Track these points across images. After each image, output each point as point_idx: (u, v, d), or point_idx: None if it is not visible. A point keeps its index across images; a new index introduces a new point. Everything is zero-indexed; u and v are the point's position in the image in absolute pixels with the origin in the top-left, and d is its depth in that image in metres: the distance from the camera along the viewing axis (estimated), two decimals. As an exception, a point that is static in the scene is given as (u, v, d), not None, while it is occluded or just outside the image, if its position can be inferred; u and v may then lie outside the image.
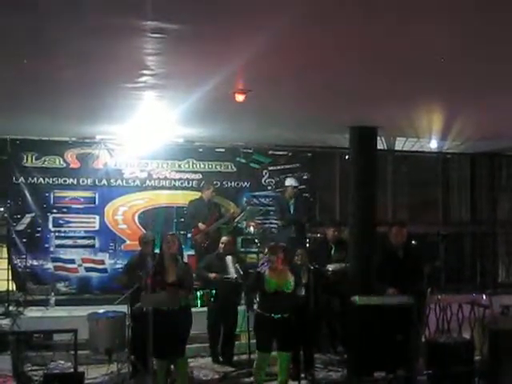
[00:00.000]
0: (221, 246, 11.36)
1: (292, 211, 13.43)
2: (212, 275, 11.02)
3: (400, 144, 14.97)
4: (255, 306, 9.79)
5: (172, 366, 9.34)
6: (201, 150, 14.48)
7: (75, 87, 8.54)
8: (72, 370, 8.16)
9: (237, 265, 11.06)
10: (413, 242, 10.72)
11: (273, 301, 9.28)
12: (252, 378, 9.79)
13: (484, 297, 10.55)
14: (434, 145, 14.30)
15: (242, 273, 10.78)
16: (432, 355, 9.79)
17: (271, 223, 14.45)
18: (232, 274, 11.00)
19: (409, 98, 9.33)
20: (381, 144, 14.32)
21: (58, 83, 8.32)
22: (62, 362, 9.05)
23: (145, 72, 7.63)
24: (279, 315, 9.28)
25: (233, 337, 11.26)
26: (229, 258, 11.26)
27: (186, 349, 9.77)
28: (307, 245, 12.49)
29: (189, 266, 10.01)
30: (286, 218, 13.36)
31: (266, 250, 9.86)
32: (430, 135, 12.99)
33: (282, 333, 9.36)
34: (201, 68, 7.44)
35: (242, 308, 11.15)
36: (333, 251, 11.83)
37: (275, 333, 9.33)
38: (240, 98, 8.72)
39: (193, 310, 10.67)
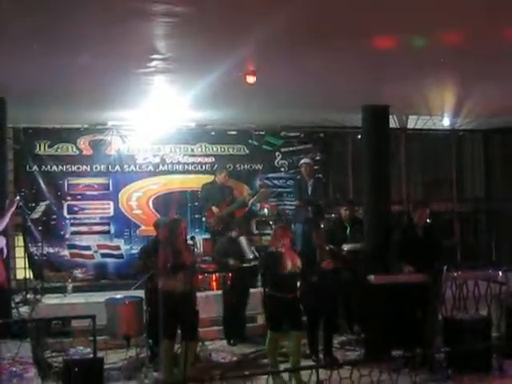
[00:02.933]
0: (233, 229, 11.39)
1: (310, 192, 13.38)
2: (231, 262, 11.06)
3: (412, 122, 14.88)
4: (266, 287, 9.78)
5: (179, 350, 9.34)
6: (213, 133, 14.48)
7: (86, 73, 8.55)
8: (91, 355, 8.17)
9: (252, 247, 11.11)
10: (427, 220, 10.67)
11: (283, 281, 9.31)
12: (268, 360, 9.82)
13: (500, 273, 10.51)
14: (446, 122, 14.22)
15: (257, 254, 10.80)
16: (449, 333, 9.78)
17: (285, 204, 14.41)
18: (248, 255, 11.04)
19: (420, 76, 9.27)
20: (393, 123, 14.26)
21: (69, 70, 8.33)
22: (81, 347, 9.07)
23: (155, 56, 7.64)
24: (290, 295, 9.33)
25: (244, 317, 11.36)
26: (242, 240, 11.28)
27: (204, 332, 9.84)
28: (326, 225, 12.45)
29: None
30: (304, 199, 13.31)
31: (275, 232, 9.88)
32: (442, 112, 12.93)
33: (293, 313, 9.42)
34: (211, 51, 7.44)
35: (257, 290, 11.18)
36: (348, 231, 11.83)
37: (286, 313, 9.37)
38: (251, 79, 8.69)
39: (209, 293, 10.78)
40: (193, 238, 10.07)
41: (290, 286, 9.40)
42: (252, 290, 11.44)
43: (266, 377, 8.72)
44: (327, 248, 10.14)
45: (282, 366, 9.60)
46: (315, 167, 14.53)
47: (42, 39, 6.94)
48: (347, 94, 10.71)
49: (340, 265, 10.36)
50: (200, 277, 9.86)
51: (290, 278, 9.38)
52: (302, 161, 13.65)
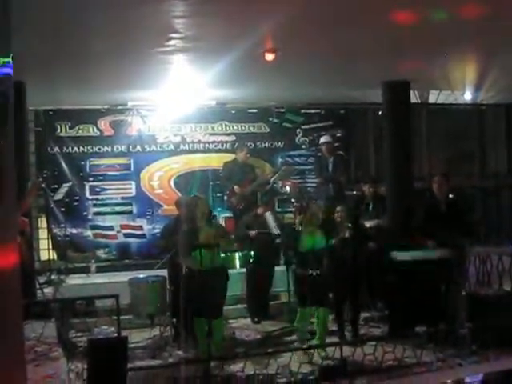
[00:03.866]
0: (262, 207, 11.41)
1: (330, 169, 13.33)
2: (252, 233, 11.07)
3: (433, 98, 14.78)
4: (293, 265, 9.80)
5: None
6: (233, 111, 14.45)
7: (105, 54, 8.57)
8: (115, 334, 8.21)
9: (276, 222, 11.12)
10: (450, 195, 10.61)
11: (309, 257, 9.33)
12: (294, 337, 9.86)
13: (524, 248, 10.46)
14: (468, 97, 14.09)
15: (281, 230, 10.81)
16: (473, 308, 9.73)
17: (306, 182, 14.38)
18: (274, 230, 11.03)
19: (441, 50, 9.18)
20: (414, 98, 14.16)
21: (88, 51, 8.34)
22: (105, 327, 9.13)
23: (173, 35, 7.62)
24: (313, 272, 9.33)
25: (268, 295, 11.36)
26: (268, 215, 11.27)
27: (228, 310, 9.85)
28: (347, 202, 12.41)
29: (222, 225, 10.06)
30: (325, 176, 13.27)
31: (296, 209, 9.88)
32: (463, 87, 12.81)
33: (317, 289, 9.40)
34: (229, 29, 7.41)
35: (281, 268, 11.18)
36: (370, 208, 11.78)
37: (313, 289, 9.38)
38: (270, 57, 8.65)
39: (234, 271, 10.77)
40: (214, 217, 10.08)
41: (312, 263, 9.39)
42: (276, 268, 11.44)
43: (289, 354, 8.79)
44: (349, 225, 10.09)
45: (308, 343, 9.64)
46: (336, 144, 14.47)
47: (61, 21, 6.92)
48: (367, 70, 10.64)
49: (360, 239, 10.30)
50: (222, 255, 9.78)
51: (312, 255, 9.38)
52: (322, 139, 13.54)
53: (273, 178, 13.17)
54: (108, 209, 13.83)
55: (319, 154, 13.90)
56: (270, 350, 9.16)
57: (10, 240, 5.11)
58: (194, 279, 8.94)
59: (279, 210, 13.96)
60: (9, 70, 5.12)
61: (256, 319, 11.21)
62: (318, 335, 9.60)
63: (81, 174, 13.67)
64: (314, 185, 13.96)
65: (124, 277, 11.08)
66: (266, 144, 14.60)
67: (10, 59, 5.10)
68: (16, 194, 9.36)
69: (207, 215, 9.42)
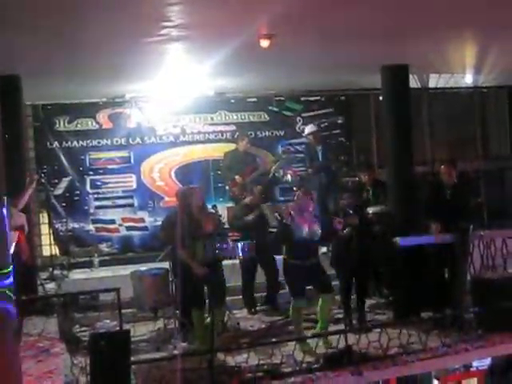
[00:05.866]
0: (257, 196, 11.32)
1: (320, 158, 13.25)
2: (248, 218, 11.00)
3: (434, 81, 14.68)
4: (284, 255, 9.68)
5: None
6: (232, 101, 14.37)
7: (100, 46, 8.49)
8: (117, 328, 8.17)
9: (276, 213, 11.04)
10: (455, 180, 10.54)
11: (300, 248, 9.24)
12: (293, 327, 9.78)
13: (528, 230, 10.39)
14: (468, 79, 13.99)
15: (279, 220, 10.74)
16: (478, 292, 9.68)
17: (307, 170, 14.33)
18: (272, 221, 10.98)
19: (439, 31, 9.08)
20: (414, 83, 14.07)
21: (82, 43, 8.26)
22: (108, 321, 9.10)
23: (166, 24, 7.52)
24: (308, 261, 9.26)
25: (274, 284, 11.22)
26: (264, 207, 11.20)
27: (231, 300, 9.81)
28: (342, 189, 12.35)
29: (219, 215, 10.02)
30: (315, 165, 13.20)
31: (297, 197, 9.79)
32: (463, 69, 12.71)
33: (315, 278, 9.36)
34: (222, 15, 7.31)
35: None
36: (370, 194, 11.71)
37: (307, 279, 9.32)
38: (265, 43, 8.54)
39: (235, 261, 10.74)
40: (214, 207, 10.01)
41: (308, 252, 9.32)
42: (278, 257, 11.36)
43: (293, 343, 8.74)
44: (351, 212, 10.02)
45: (310, 332, 9.57)
46: (337, 131, 14.55)
47: (55, 14, 6.84)
48: (366, 55, 10.55)
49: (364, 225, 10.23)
50: (225, 245, 9.73)
51: (307, 244, 9.30)
52: (307, 129, 13.46)
53: (274, 167, 13.12)
54: (109, 202, 13.76)
55: (308, 143, 13.77)
56: (273, 340, 9.14)
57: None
58: (191, 270, 8.92)
59: (281, 198, 13.92)
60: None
61: (252, 310, 11.16)
62: (321, 323, 9.53)
63: (81, 168, 13.60)
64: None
65: (127, 270, 11.09)
66: (266, 133, 14.50)
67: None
68: (15, 189, 9.41)
69: (202, 205, 9.36)
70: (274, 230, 10.82)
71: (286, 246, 9.60)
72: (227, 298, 10.12)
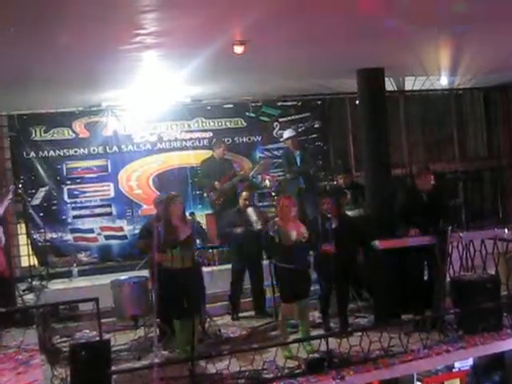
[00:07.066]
0: (243, 201, 11.30)
1: (299, 163, 13.26)
2: (238, 230, 11.00)
3: (410, 84, 14.75)
4: (275, 260, 9.72)
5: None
6: (209, 107, 14.33)
7: (75, 54, 8.41)
8: (98, 338, 8.12)
9: (260, 215, 11.08)
10: (432, 182, 10.58)
11: (292, 252, 9.25)
12: (279, 331, 9.76)
13: (506, 231, 10.40)
14: (444, 81, 14.05)
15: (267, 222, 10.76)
16: (458, 293, 9.72)
17: (285, 175, 14.34)
18: (256, 224, 10.97)
19: (413, 35, 9.10)
20: (390, 86, 14.13)
21: (57, 52, 8.20)
22: (87, 331, 9.03)
23: (140, 31, 7.48)
24: (297, 266, 9.27)
25: (263, 290, 11.26)
26: (250, 210, 11.20)
27: (211, 307, 9.77)
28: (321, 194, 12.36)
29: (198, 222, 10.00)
30: (294, 170, 13.21)
31: (278, 202, 9.80)
32: (438, 71, 12.77)
33: (302, 283, 9.40)
34: (195, 22, 7.27)
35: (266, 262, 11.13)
36: (348, 197, 11.73)
37: (296, 283, 9.32)
38: (239, 49, 8.51)
39: (215, 268, 10.74)
40: (192, 214, 9.99)
41: (296, 257, 9.33)
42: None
43: (275, 349, 8.73)
44: (329, 216, 10.03)
45: (291, 337, 9.58)
46: (314, 135, 14.62)
47: (23, 22, 6.78)
48: (341, 59, 10.60)
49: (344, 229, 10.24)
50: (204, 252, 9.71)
51: (295, 249, 9.31)
52: (286, 134, 13.50)
53: (251, 173, 13.11)
54: (87, 211, 13.65)
55: (285, 149, 13.79)
56: (254, 346, 9.12)
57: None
58: (170, 278, 8.90)
59: (260, 204, 13.91)
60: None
61: (235, 316, 11.16)
62: (303, 328, 9.54)
63: (58, 178, 13.47)
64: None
65: (106, 279, 11.01)
66: (244, 139, 14.49)
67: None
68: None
69: (182, 213, 9.31)
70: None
71: (275, 251, 9.67)
72: (208, 306, 10.15)
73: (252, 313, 11.32)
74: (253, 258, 11.11)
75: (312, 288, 9.95)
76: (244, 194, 11.47)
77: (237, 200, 11.66)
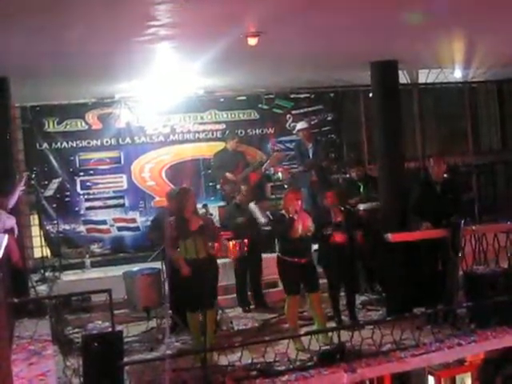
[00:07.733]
0: (242, 196, 11.31)
1: (311, 155, 13.24)
2: (239, 219, 11.02)
3: (423, 77, 14.69)
4: (278, 252, 9.68)
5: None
6: (222, 99, 14.32)
7: (88, 46, 8.39)
8: (110, 329, 8.14)
9: (266, 212, 11.05)
10: (445, 175, 10.55)
11: (295, 245, 9.26)
12: (288, 324, 9.75)
13: (519, 224, 10.39)
14: (458, 74, 13.99)
15: (271, 218, 10.72)
16: (470, 287, 9.70)
17: (298, 168, 14.31)
18: (260, 220, 10.96)
19: (427, 27, 9.04)
20: (404, 78, 14.07)
21: (70, 43, 8.17)
22: (100, 322, 9.06)
23: (153, 23, 7.46)
24: (303, 259, 9.28)
25: (260, 283, 11.33)
26: (252, 205, 11.19)
27: (223, 299, 9.75)
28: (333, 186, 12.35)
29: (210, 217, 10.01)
30: (306, 163, 13.18)
31: (285, 195, 9.78)
32: (452, 64, 12.71)
33: (308, 276, 9.40)
34: (209, 14, 7.24)
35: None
36: (361, 190, 11.71)
37: (301, 277, 9.33)
38: (252, 41, 8.48)
39: (227, 260, 10.74)
40: (205, 206, 9.97)
41: (302, 250, 9.35)
42: (270, 256, 11.34)
43: (286, 341, 8.74)
44: (341, 208, 10.02)
45: (304, 330, 9.57)
46: (327, 128, 14.59)
47: (40, 14, 6.78)
48: (355, 52, 10.52)
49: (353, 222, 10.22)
50: (216, 244, 9.67)
51: (302, 242, 9.32)
52: (298, 126, 13.50)
53: (264, 165, 13.09)
54: (100, 203, 13.68)
55: (298, 141, 13.76)
56: (266, 338, 9.13)
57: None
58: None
59: (272, 196, 13.91)
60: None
61: (247, 308, 11.18)
62: (318, 321, 9.54)
63: (71, 169, 13.51)
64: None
65: (119, 271, 11.07)
66: (257, 131, 14.47)
67: None
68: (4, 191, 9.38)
69: (194, 206, 9.30)
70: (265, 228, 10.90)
71: (280, 244, 9.62)
72: (220, 297, 10.15)
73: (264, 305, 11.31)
74: (253, 251, 11.05)
75: (320, 282, 9.91)
76: (243, 188, 11.47)
77: (263, 192, 11.64)
